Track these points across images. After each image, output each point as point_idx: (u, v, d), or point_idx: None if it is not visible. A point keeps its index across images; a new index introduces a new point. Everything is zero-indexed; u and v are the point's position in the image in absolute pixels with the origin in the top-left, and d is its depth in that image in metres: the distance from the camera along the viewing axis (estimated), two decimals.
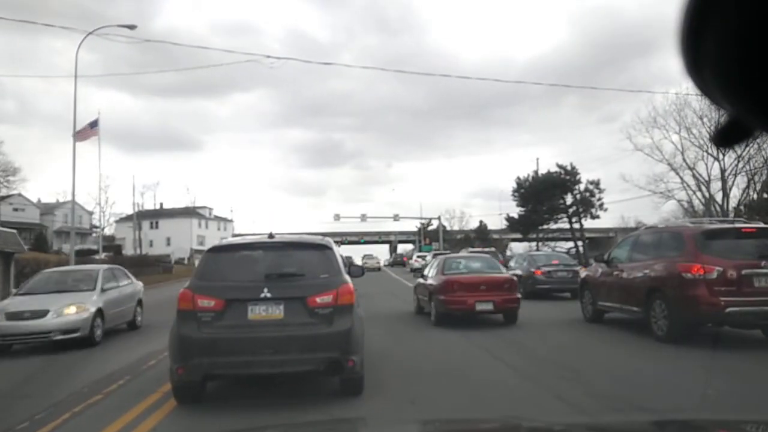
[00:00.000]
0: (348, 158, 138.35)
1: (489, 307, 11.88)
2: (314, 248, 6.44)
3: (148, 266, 41.59)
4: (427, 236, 73.09)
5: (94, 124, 36.21)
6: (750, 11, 0.64)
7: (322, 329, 5.73)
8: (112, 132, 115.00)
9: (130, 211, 64.25)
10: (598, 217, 47.92)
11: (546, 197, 48.20)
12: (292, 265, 6.18)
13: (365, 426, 3.07)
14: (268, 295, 5.78)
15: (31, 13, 79.60)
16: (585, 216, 48.22)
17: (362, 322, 6.24)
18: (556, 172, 48.90)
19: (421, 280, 14.53)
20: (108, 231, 69.36)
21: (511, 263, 21.23)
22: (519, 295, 12.42)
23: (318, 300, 5.81)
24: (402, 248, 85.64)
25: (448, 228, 76.57)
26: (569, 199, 48.57)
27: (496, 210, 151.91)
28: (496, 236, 69.15)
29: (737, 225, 10.30)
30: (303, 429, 3.22)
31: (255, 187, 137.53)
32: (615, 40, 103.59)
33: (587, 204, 47.92)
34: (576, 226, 48.01)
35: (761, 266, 8.66)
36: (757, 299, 8.45)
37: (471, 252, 26.15)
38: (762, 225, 10.67)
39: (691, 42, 0.69)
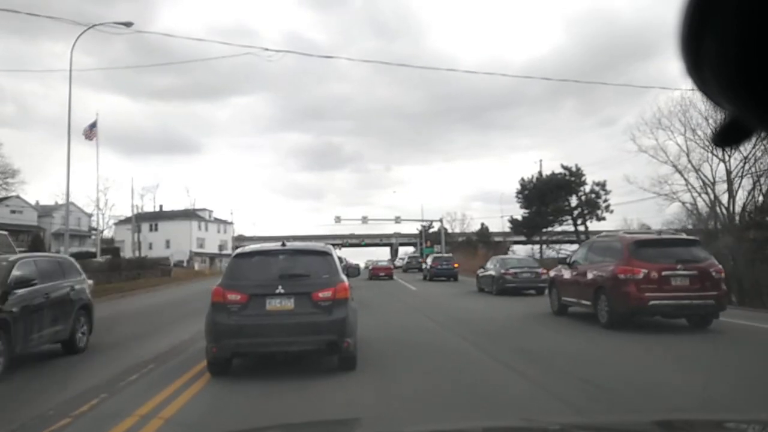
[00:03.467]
0: (347, 162, 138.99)
1: (384, 275, 38.51)
2: (317, 254, 7.96)
3: (147, 269, 41.48)
4: (428, 239, 73.02)
5: (93, 125, 36.34)
6: (750, 11, 0.65)
7: (323, 317, 7.24)
8: (112, 135, 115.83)
9: (129, 214, 64.30)
10: (603, 218, 47.60)
11: (551, 199, 47.98)
12: (300, 267, 7.68)
13: (362, 427, 3.08)
14: (282, 290, 7.30)
15: (30, 16, 79.87)
16: (591, 218, 47.95)
17: (355, 312, 7.83)
18: (560, 174, 48.65)
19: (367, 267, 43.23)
20: (107, 233, 69.43)
21: (488, 264, 24.82)
22: (393, 270, 41.51)
23: (320, 295, 7.33)
24: (403, 251, 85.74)
25: (450, 230, 76.45)
26: (574, 201, 48.36)
27: (496, 213, 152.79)
28: (499, 239, 69.05)
29: (662, 236, 12.82)
30: (303, 429, 3.23)
31: (254, 189, 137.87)
32: (613, 43, 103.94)
33: (593, 206, 47.68)
34: (581, 228, 47.70)
35: (677, 269, 11.12)
36: (673, 294, 10.98)
37: (435, 255, 40.61)
38: (682, 236, 13.37)
39: (691, 42, 0.70)
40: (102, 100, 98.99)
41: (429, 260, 38.04)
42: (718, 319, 11.43)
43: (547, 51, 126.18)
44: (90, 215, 66.00)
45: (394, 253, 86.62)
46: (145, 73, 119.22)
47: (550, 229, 50.38)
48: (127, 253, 58.68)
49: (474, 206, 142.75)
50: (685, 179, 33.42)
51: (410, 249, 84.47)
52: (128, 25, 24.47)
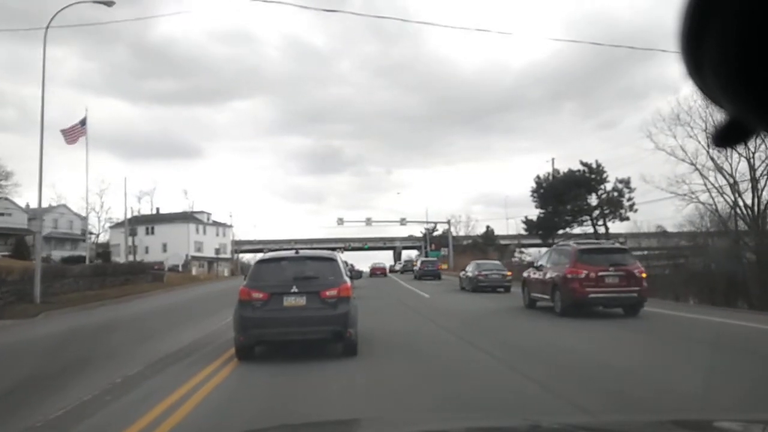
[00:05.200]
0: (347, 165, 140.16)
1: (380, 273, 59.38)
2: (325, 260, 9.98)
3: (137, 274, 40.38)
4: (433, 242, 73.01)
5: (82, 123, 36.04)
6: (750, 11, 0.68)
7: (330, 312, 9.08)
8: (112, 139, 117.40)
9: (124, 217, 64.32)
10: (627, 218, 45.37)
11: (569, 198, 46.03)
12: (311, 270, 9.52)
13: (362, 427, 3.10)
14: (296, 290, 9.16)
15: (30, 20, 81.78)
16: (613, 218, 46.17)
17: (356, 308, 9.78)
18: (578, 171, 46.76)
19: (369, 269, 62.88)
20: (103, 237, 69.55)
21: (468, 268, 30.72)
22: (387, 271, 64.13)
23: (327, 293, 9.17)
24: (406, 254, 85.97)
25: (454, 233, 76.36)
26: (594, 200, 46.64)
27: (498, 215, 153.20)
28: (506, 242, 68.87)
29: (601, 245, 17.74)
30: (303, 429, 3.26)
31: (255, 192, 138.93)
32: (613, 45, 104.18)
33: (615, 205, 45.81)
34: (602, 230, 45.84)
35: (609, 270, 15.18)
36: (606, 289, 15.09)
37: (423, 260, 53.68)
38: (616, 246, 18.28)
39: (691, 43, 0.72)
40: (103, 105, 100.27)
41: (418, 263, 51.80)
42: (644, 308, 15.35)
43: (547, 54, 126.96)
44: (84, 218, 66.03)
45: (398, 257, 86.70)
46: (145, 78, 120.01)
47: (567, 230, 48.34)
48: (122, 257, 58.72)
49: (476, 209, 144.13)
50: (704, 177, 32.99)
51: (414, 253, 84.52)
52: (109, 4, 24.70)
